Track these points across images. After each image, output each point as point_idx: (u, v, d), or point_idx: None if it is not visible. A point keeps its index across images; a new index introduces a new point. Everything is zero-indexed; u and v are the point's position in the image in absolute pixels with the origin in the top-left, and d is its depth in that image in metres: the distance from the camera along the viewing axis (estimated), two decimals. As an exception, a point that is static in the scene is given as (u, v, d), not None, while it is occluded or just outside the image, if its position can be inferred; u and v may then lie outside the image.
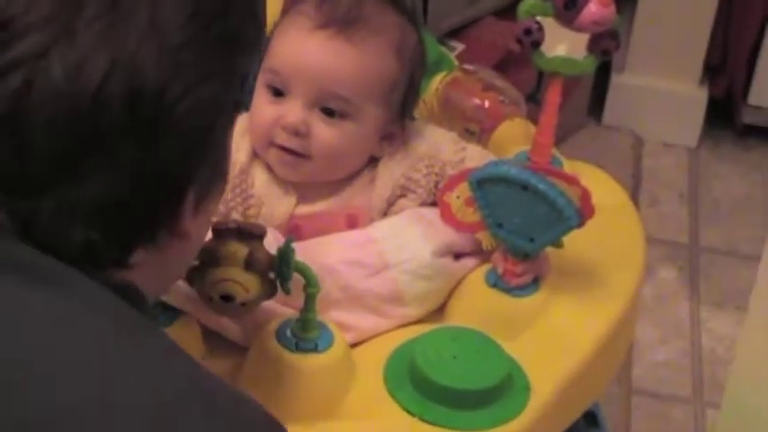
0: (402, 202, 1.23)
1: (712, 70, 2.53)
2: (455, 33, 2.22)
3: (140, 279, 0.86)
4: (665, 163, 2.52)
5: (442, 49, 1.55)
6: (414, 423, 1.08)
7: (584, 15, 1.22)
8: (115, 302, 0.81)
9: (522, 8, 1.24)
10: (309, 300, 1.07)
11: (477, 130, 1.35)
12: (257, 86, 1.22)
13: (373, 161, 1.24)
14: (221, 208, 1.20)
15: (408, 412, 1.08)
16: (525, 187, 1.12)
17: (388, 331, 1.18)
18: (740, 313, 2.07)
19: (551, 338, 1.18)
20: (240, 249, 1.05)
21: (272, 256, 1.05)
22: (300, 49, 1.20)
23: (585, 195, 1.13)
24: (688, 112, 2.54)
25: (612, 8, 1.23)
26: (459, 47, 2.18)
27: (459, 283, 1.21)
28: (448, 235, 1.19)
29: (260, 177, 1.23)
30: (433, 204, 1.22)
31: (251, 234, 1.05)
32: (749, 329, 1.45)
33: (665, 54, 2.49)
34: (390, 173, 1.23)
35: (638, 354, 2.07)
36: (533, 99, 1.36)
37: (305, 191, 1.23)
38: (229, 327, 1.14)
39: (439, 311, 1.21)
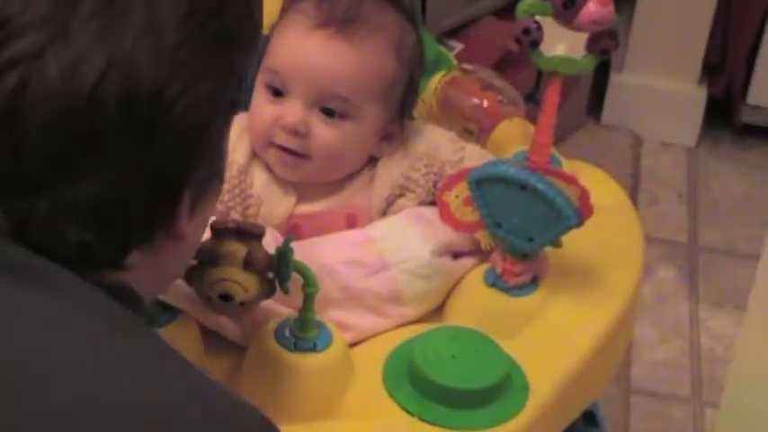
0: (401, 201, 1.23)
1: (711, 70, 2.53)
2: (454, 33, 2.22)
3: (136, 280, 0.86)
4: (663, 162, 2.52)
5: (441, 48, 1.55)
6: (413, 423, 1.08)
7: (582, 15, 1.22)
8: (109, 304, 0.80)
9: (521, 8, 1.24)
10: (308, 299, 1.07)
11: (475, 129, 1.35)
12: (256, 86, 1.22)
13: (372, 161, 1.24)
14: (220, 207, 1.20)
15: (407, 412, 1.08)
16: (524, 187, 1.12)
17: (386, 331, 1.18)
18: (739, 313, 2.07)
19: (550, 338, 1.18)
20: (239, 249, 1.05)
21: (270, 256, 1.05)
22: (300, 48, 1.20)
23: (584, 195, 1.13)
24: (687, 111, 2.54)
25: (611, 7, 1.23)
26: (458, 46, 2.18)
27: (457, 282, 1.21)
28: (447, 234, 1.19)
29: (259, 177, 1.23)
30: (432, 204, 1.22)
31: (250, 234, 1.05)
32: (748, 329, 1.45)
33: (663, 53, 2.49)
34: (389, 172, 1.23)
35: (636, 353, 2.07)
36: (532, 98, 1.36)
37: (304, 190, 1.23)
38: (228, 326, 1.14)
39: (438, 311, 1.21)
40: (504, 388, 1.10)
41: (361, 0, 1.21)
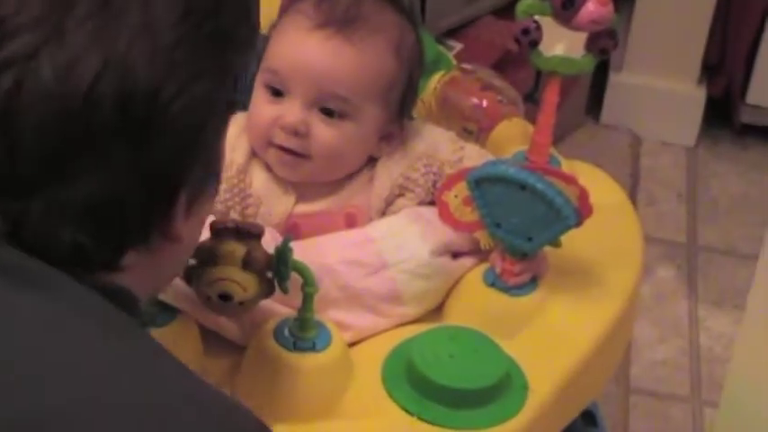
0: (400, 201, 1.23)
1: (710, 69, 2.53)
2: (453, 33, 2.22)
3: (132, 281, 0.85)
4: (663, 162, 2.52)
5: (441, 48, 1.55)
6: (412, 422, 1.08)
7: (582, 14, 1.22)
8: (103, 306, 0.80)
9: (521, 7, 1.24)
10: (307, 299, 1.07)
11: (475, 129, 1.35)
12: (256, 86, 1.22)
13: (372, 161, 1.24)
14: (219, 207, 1.20)
15: (406, 411, 1.08)
16: (523, 187, 1.12)
17: (386, 330, 1.18)
18: (738, 312, 2.07)
19: (549, 338, 1.18)
20: (238, 248, 1.05)
21: (269, 256, 1.05)
22: (299, 48, 1.20)
23: (583, 194, 1.13)
24: (686, 111, 2.54)
25: (610, 7, 1.23)
26: (458, 46, 2.18)
27: (457, 282, 1.21)
28: (446, 234, 1.19)
29: (258, 177, 1.23)
30: (432, 204, 1.22)
31: (249, 233, 1.05)
32: (747, 328, 1.46)
33: (663, 53, 2.49)
34: (389, 172, 1.23)
35: (636, 353, 2.07)
36: (531, 98, 1.36)
37: (304, 190, 1.23)
38: (227, 326, 1.14)
39: (437, 311, 1.21)
40: (503, 388, 1.10)
41: (360, 0, 1.21)
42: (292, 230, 1.20)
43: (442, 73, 1.40)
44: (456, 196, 1.17)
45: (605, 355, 1.22)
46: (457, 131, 1.32)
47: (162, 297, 1.09)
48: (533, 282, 1.19)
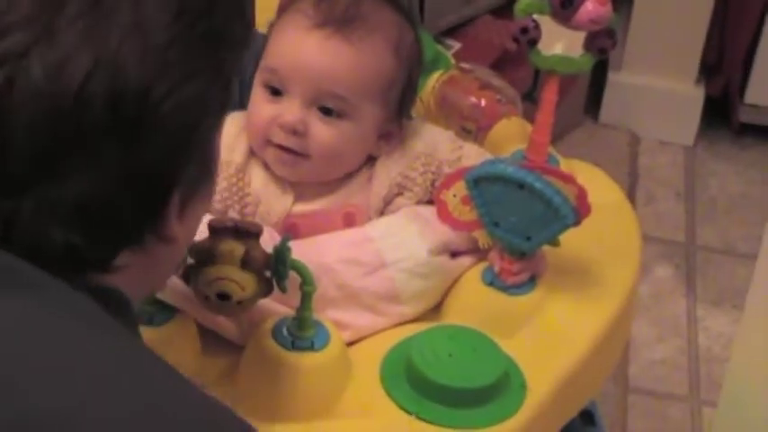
0: (399, 200, 1.23)
1: (709, 69, 2.53)
2: (452, 32, 2.22)
3: (125, 282, 0.85)
4: (661, 161, 2.52)
5: (439, 47, 1.55)
6: (410, 421, 1.08)
7: (580, 14, 1.22)
8: (93, 308, 0.80)
9: (519, 6, 1.24)
10: (306, 298, 1.07)
11: (473, 128, 1.35)
12: (254, 85, 1.22)
13: (371, 160, 1.24)
14: (218, 206, 1.20)
15: (405, 410, 1.08)
16: (522, 186, 1.12)
17: (384, 329, 1.18)
18: (737, 311, 2.07)
19: (548, 337, 1.18)
20: (236, 248, 1.05)
21: (268, 255, 1.05)
22: (298, 48, 1.20)
23: (582, 194, 1.13)
24: (685, 110, 2.54)
25: (609, 6, 1.23)
26: (456, 45, 2.18)
27: (455, 281, 1.21)
28: (445, 233, 1.20)
29: (257, 176, 1.23)
30: (430, 203, 1.22)
31: (247, 232, 1.05)
32: (745, 327, 1.46)
33: (661, 52, 2.49)
34: (387, 171, 1.23)
35: (634, 352, 2.07)
36: (530, 97, 1.36)
37: (302, 189, 1.23)
38: (226, 325, 1.14)
39: (435, 310, 1.21)
40: (501, 387, 1.10)
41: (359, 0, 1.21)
42: (291, 230, 1.20)
43: (440, 72, 1.40)
44: (455, 195, 1.17)
45: (604, 354, 1.22)
46: (455, 130, 1.32)
47: (160, 296, 1.09)
48: (532, 281, 1.19)
